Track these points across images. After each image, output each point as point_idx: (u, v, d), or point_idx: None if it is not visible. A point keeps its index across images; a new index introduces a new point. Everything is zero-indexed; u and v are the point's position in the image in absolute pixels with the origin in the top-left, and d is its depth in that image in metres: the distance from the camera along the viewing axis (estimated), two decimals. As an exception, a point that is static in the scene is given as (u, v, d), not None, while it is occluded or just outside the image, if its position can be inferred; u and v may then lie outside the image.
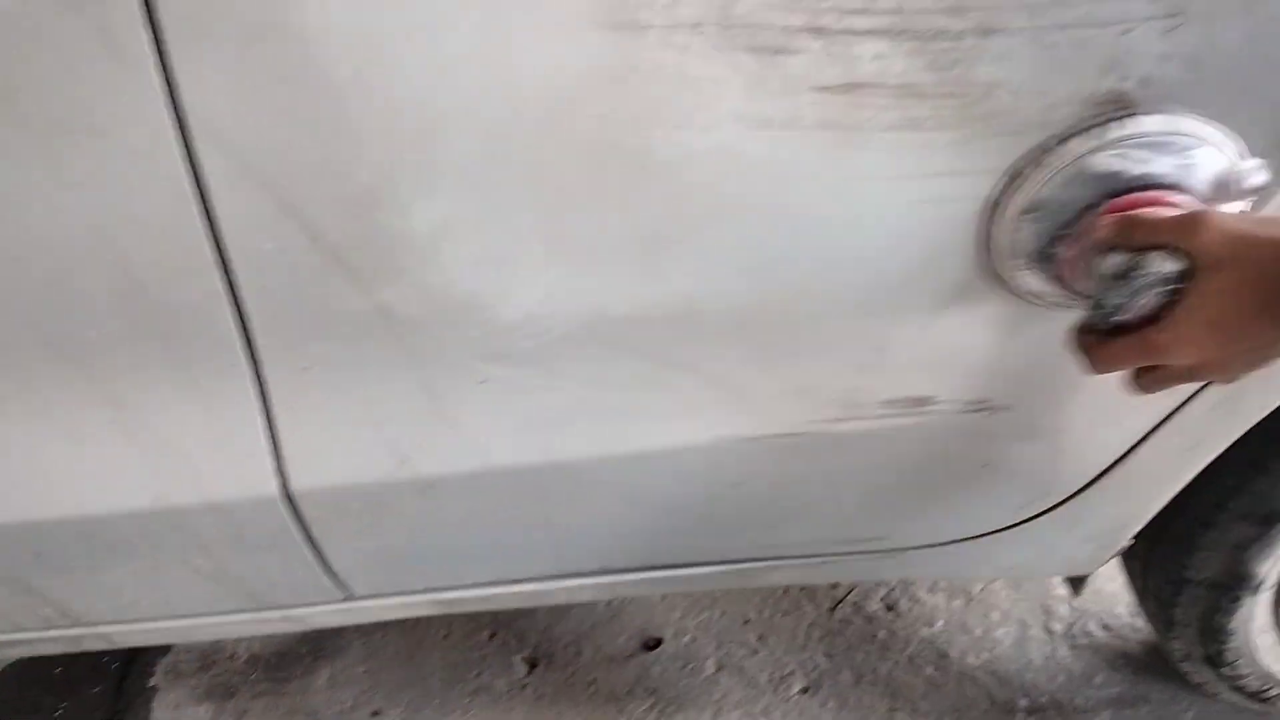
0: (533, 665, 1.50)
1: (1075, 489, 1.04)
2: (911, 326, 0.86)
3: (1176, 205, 0.69)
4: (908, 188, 0.76)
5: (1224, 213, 0.67)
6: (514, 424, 0.90)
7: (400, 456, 0.92)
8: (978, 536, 1.10)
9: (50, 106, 0.67)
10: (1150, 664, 1.43)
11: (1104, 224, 0.70)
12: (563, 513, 1.01)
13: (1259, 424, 0.96)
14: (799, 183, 0.75)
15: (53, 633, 1.10)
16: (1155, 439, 0.97)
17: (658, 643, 1.52)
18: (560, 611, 1.56)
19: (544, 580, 1.12)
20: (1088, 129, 0.70)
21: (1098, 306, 0.70)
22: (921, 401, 0.94)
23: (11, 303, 0.79)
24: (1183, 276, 0.66)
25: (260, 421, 0.88)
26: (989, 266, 0.79)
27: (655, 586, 1.16)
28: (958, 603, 1.56)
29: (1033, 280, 0.78)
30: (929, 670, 1.47)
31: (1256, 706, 1.34)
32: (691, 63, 0.67)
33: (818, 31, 0.66)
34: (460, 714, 1.45)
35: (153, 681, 1.51)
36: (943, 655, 1.49)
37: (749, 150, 0.72)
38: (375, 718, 1.45)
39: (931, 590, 1.57)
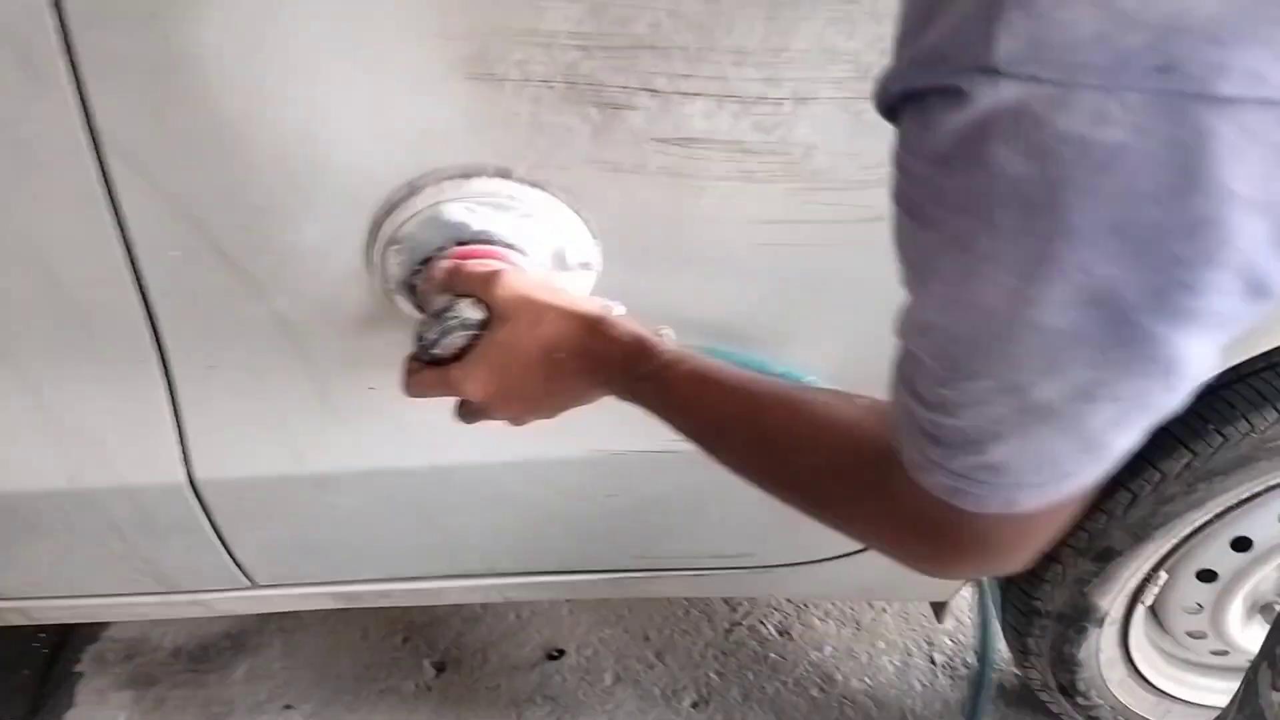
0: (440, 669, 1.58)
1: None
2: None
3: (501, 261, 0.79)
4: (749, 231, 0.86)
5: (523, 274, 0.77)
6: (398, 428, 0.99)
7: (296, 453, 1.01)
8: (835, 557, 1.19)
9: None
10: (1025, 696, 1.52)
11: (438, 268, 0.79)
12: (447, 515, 1.10)
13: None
14: (649, 224, 0.85)
15: None
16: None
17: (560, 653, 1.60)
18: (472, 620, 1.64)
19: (436, 579, 1.21)
20: (449, 179, 0.80)
21: (419, 339, 0.77)
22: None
23: None
24: (483, 324, 0.75)
25: (168, 413, 0.97)
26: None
27: (540, 591, 1.25)
28: (848, 630, 1.65)
29: (404, 305, 0.86)
30: (814, 692, 1.56)
31: (1110, 737, 1.43)
32: (544, 113, 0.77)
33: (652, 92, 0.77)
34: (368, 712, 1.53)
35: (78, 668, 1.59)
36: (828, 678, 1.58)
37: (602, 191, 0.82)
38: (287, 711, 1.53)
39: (824, 618, 1.66)
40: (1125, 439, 0.45)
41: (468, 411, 0.82)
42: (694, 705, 1.54)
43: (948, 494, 0.50)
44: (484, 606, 1.66)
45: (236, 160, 0.79)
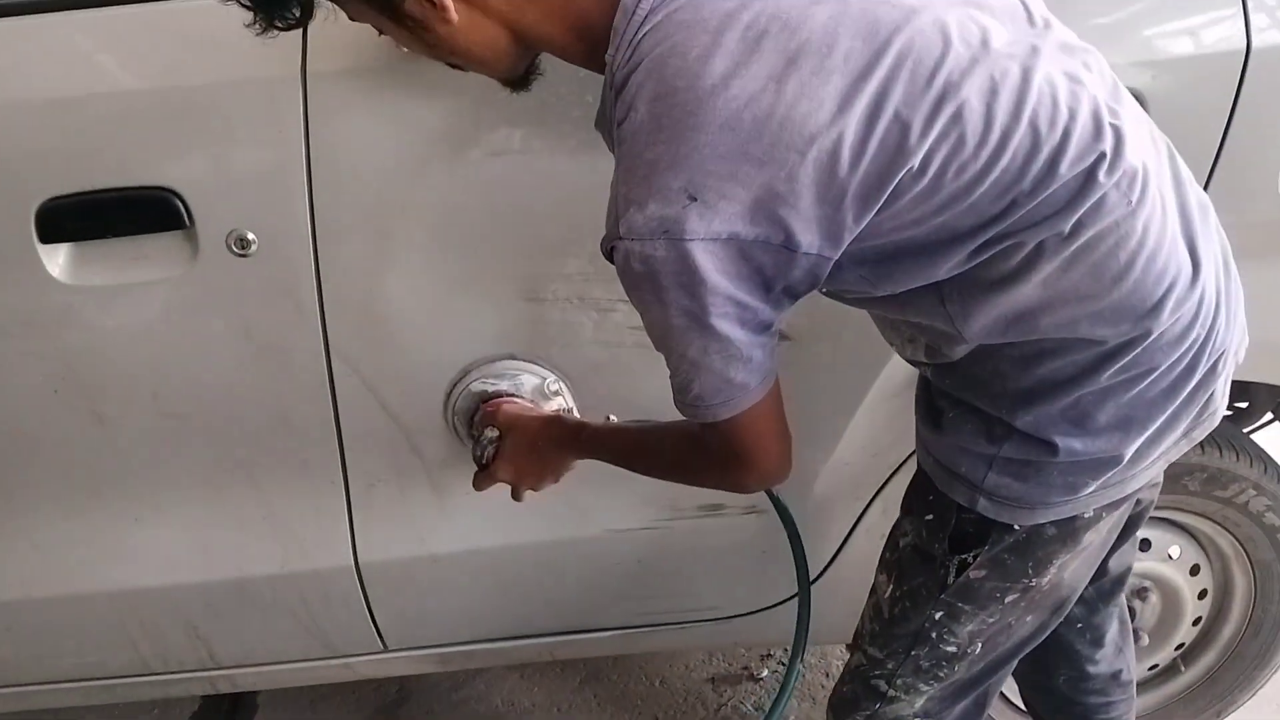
0: None
1: (825, 564, 1.72)
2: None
3: (513, 403, 1.46)
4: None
5: (512, 406, 1.45)
6: (483, 519, 1.61)
7: (419, 539, 1.62)
8: (776, 605, 1.77)
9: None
10: None
11: (478, 417, 1.47)
12: (515, 584, 1.70)
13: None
14: (618, 373, 1.50)
15: (199, 674, 1.75)
16: (864, 522, 1.67)
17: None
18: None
19: (508, 640, 1.79)
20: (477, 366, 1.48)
21: (474, 456, 1.46)
22: (717, 508, 1.66)
23: (205, 429, 1.51)
24: (500, 440, 1.43)
25: (345, 515, 1.59)
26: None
27: (577, 649, 1.83)
28: (806, 704, 2.19)
29: (467, 443, 1.51)
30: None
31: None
32: (568, 316, 1.44)
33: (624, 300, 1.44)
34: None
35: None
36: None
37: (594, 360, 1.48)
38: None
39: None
40: (735, 373, 1.02)
41: (513, 494, 1.46)
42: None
43: (698, 420, 1.09)
44: (526, 709, 2.20)
45: (389, 353, 1.45)
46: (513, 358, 1.49)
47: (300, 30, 1.13)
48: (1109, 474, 1.12)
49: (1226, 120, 1.39)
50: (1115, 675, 1.53)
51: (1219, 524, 1.80)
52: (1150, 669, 1.96)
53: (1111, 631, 1.51)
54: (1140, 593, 1.83)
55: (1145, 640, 1.86)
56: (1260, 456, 1.75)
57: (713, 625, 1.81)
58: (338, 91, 1.31)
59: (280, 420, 1.50)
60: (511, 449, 1.42)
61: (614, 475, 1.56)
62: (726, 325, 0.99)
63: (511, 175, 1.37)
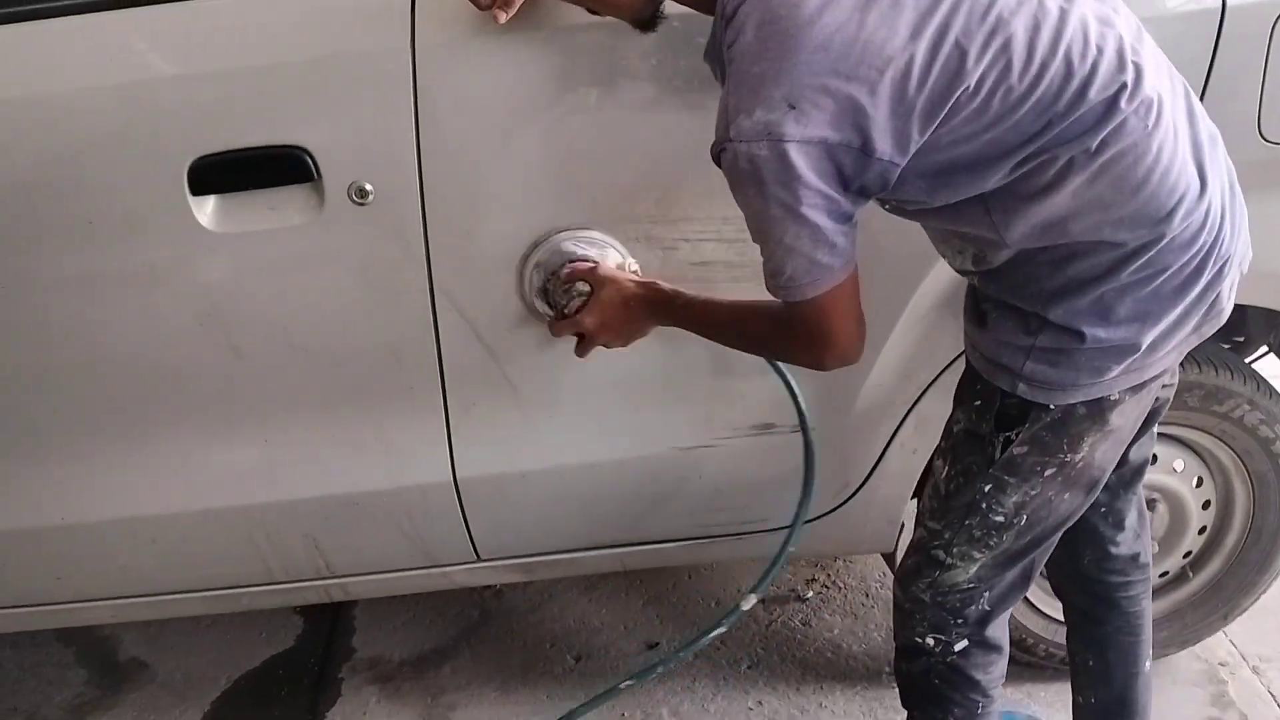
0: (578, 659, 2.35)
1: (862, 479, 1.94)
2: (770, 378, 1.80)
3: (593, 265, 1.62)
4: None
5: (608, 266, 1.62)
6: (566, 435, 1.83)
7: (508, 457, 1.85)
8: (819, 517, 1.99)
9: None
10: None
11: (566, 271, 1.63)
12: (592, 500, 1.92)
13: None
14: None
15: (316, 582, 1.99)
16: (897, 438, 1.89)
17: (656, 644, 2.37)
18: (596, 629, 2.42)
19: (582, 551, 2.01)
20: (564, 230, 1.65)
21: (556, 306, 1.64)
22: (769, 426, 1.88)
23: (326, 359, 1.74)
24: (590, 293, 1.59)
25: (444, 434, 1.82)
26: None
27: (644, 559, 2.05)
28: (848, 620, 2.42)
29: (539, 305, 1.67)
30: (828, 654, 2.33)
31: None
32: (642, 247, 1.67)
33: (686, 240, 1.67)
34: (529, 691, 2.29)
35: (340, 674, 2.36)
36: (837, 647, 2.34)
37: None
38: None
39: (832, 613, 2.43)
40: (821, 255, 1.24)
41: (583, 347, 1.66)
42: (749, 667, 2.30)
43: (788, 299, 1.31)
44: (596, 628, 2.43)
45: (485, 289, 1.68)
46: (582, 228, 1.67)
47: (409, 5, 1.42)
48: (1130, 360, 1.34)
49: (1206, 72, 1.61)
50: (1134, 557, 1.76)
51: (1218, 438, 2.00)
52: (1161, 575, 2.16)
53: (1131, 517, 1.73)
54: (1150, 503, 2.03)
55: (1155, 548, 2.06)
56: (1253, 375, 1.95)
57: (766, 536, 2.02)
58: (441, 60, 1.53)
59: (390, 350, 1.74)
60: (603, 303, 1.59)
61: (680, 397, 1.81)
62: (815, 214, 1.21)
63: (587, 130, 1.60)
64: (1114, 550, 1.73)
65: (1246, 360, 2.15)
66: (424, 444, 1.83)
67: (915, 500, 1.96)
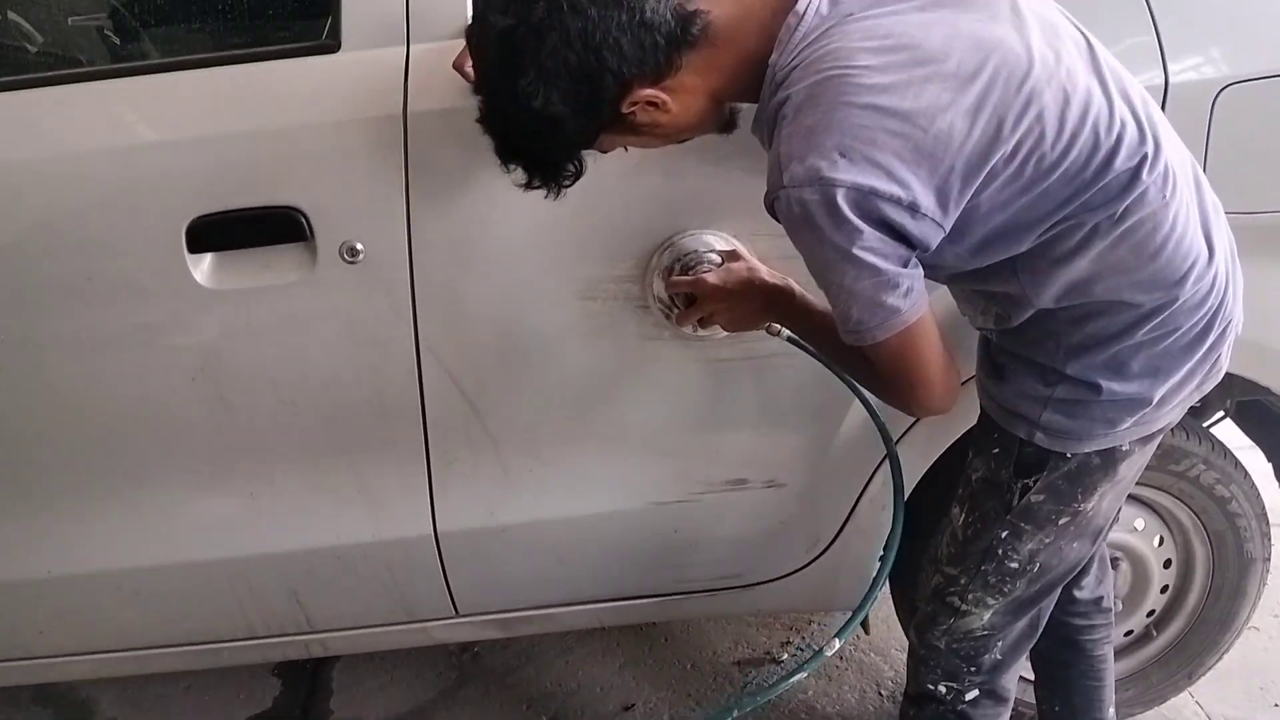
0: (553, 722, 2.37)
1: (833, 535, 2.00)
2: (745, 433, 1.87)
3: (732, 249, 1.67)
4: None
5: (747, 255, 1.63)
6: (543, 492, 1.89)
7: (490, 512, 1.90)
8: (792, 573, 2.04)
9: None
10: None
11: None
12: (570, 557, 1.97)
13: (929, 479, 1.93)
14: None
15: (296, 637, 2.01)
16: (867, 494, 1.95)
17: (631, 707, 2.39)
18: (572, 689, 2.44)
19: (557, 607, 2.05)
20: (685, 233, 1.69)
21: (689, 266, 1.63)
22: (741, 482, 1.93)
23: (314, 413, 1.80)
24: (721, 264, 1.61)
25: (427, 489, 1.87)
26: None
27: (619, 616, 2.09)
28: (823, 681, 2.45)
29: (655, 307, 1.71)
30: (802, 715, 2.35)
31: None
32: (616, 310, 1.74)
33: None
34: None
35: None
36: (811, 709, 2.37)
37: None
38: None
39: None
40: (885, 297, 1.26)
41: (689, 311, 1.63)
42: None
43: (861, 344, 1.33)
44: (573, 690, 2.46)
45: (469, 346, 1.75)
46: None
47: (402, 76, 1.51)
48: (1141, 413, 1.42)
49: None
50: (1097, 601, 1.84)
51: (1176, 497, 2.07)
52: (1126, 634, 2.21)
53: (1093, 563, 1.82)
54: (1113, 561, 2.09)
55: (1119, 606, 2.12)
56: (1207, 436, 2.03)
57: (737, 592, 2.07)
58: (432, 128, 1.62)
59: (375, 404, 1.79)
60: (731, 270, 1.59)
61: (659, 451, 1.86)
62: (871, 256, 1.25)
63: (571, 193, 1.68)
64: (1078, 594, 1.80)
65: (1204, 425, 2.23)
66: (406, 497, 1.88)
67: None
